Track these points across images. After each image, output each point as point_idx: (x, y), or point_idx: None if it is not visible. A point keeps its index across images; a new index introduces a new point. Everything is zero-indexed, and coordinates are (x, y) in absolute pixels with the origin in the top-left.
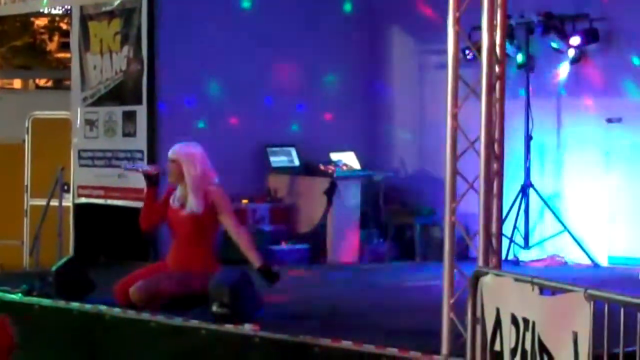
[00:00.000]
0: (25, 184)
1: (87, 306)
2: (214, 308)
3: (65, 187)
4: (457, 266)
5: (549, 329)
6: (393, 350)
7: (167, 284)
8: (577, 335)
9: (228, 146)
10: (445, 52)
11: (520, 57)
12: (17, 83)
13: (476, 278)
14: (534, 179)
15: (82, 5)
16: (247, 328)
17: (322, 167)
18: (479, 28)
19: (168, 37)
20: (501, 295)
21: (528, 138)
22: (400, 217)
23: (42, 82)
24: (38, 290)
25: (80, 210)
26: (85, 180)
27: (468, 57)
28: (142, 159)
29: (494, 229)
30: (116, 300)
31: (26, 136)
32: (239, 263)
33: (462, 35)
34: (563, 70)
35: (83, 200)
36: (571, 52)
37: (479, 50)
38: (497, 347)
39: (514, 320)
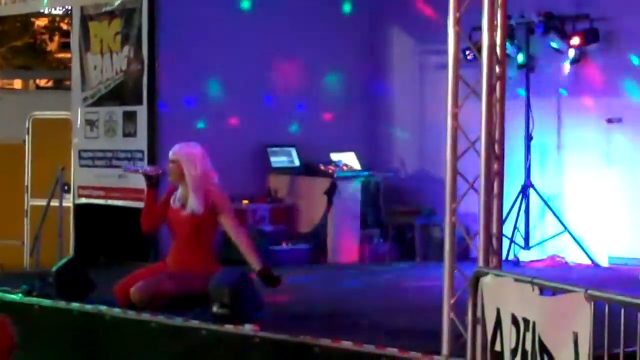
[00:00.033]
0: (26, 184)
1: (88, 306)
2: (214, 308)
3: (66, 188)
4: (457, 266)
5: (549, 330)
6: (393, 351)
7: (167, 284)
8: (578, 336)
9: (228, 146)
10: (445, 52)
11: (520, 57)
12: (17, 83)
13: (476, 278)
14: (534, 179)
15: (83, 6)
16: (247, 328)
17: (322, 167)
18: (479, 28)
19: (168, 38)
20: (501, 296)
21: (528, 138)
22: (400, 217)
23: (42, 82)
24: (38, 291)
25: (81, 210)
26: (86, 181)
27: (468, 57)
28: (142, 159)
29: (494, 229)
30: (116, 300)
31: (26, 136)
32: (239, 263)
33: (462, 35)
34: (563, 70)
35: (83, 200)
36: (571, 52)
37: (479, 50)
38: (497, 348)
39: (515, 321)
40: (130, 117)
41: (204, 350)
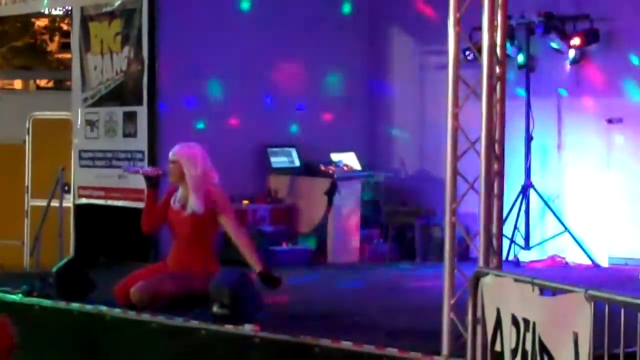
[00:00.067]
0: (26, 184)
1: (88, 307)
2: (214, 309)
3: (66, 188)
4: (457, 266)
5: (549, 330)
6: (393, 351)
7: (167, 284)
8: (578, 336)
9: (228, 147)
10: (445, 52)
11: (520, 58)
12: (17, 83)
13: (477, 278)
14: (534, 179)
15: (83, 6)
16: (247, 328)
17: (322, 167)
18: (479, 28)
19: (168, 38)
20: (502, 296)
21: (528, 138)
22: (400, 217)
23: (42, 82)
24: (38, 291)
25: (81, 210)
26: (86, 181)
27: (468, 57)
28: (142, 160)
29: (494, 229)
30: (116, 300)
31: (27, 137)
32: (239, 263)
33: (462, 35)
34: (563, 70)
35: (83, 200)
36: (572, 53)
37: (479, 50)
38: (497, 348)
39: (515, 321)
40: (130, 117)
41: (204, 350)
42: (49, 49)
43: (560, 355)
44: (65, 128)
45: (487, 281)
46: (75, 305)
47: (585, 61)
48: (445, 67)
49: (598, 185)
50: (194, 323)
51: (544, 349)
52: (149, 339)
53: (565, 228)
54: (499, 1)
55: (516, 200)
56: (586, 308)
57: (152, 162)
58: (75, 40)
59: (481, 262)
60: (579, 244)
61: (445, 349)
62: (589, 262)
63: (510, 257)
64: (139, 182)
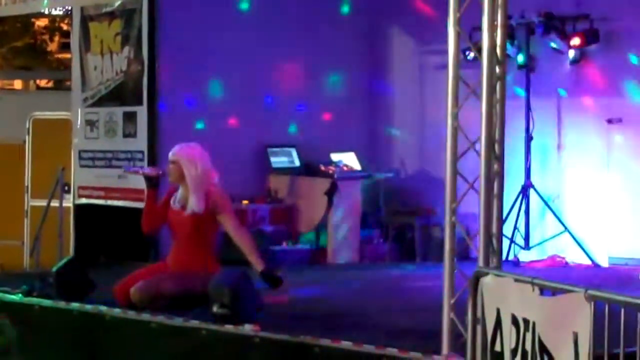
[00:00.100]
0: (26, 184)
1: (88, 307)
2: (214, 308)
3: (66, 188)
4: (457, 266)
5: (549, 330)
6: (393, 351)
7: (167, 284)
8: (578, 336)
9: (228, 147)
10: (445, 52)
11: (520, 58)
12: (17, 84)
13: (476, 278)
14: (534, 179)
15: (83, 6)
16: (247, 328)
17: (322, 167)
18: (479, 28)
19: (168, 38)
20: (501, 296)
21: (528, 138)
22: (400, 217)
23: (42, 82)
24: (38, 291)
25: (81, 210)
26: (86, 181)
27: (468, 57)
28: (142, 160)
29: (494, 229)
30: (116, 300)
31: (27, 137)
32: (239, 263)
33: (462, 35)
34: (563, 70)
35: (83, 200)
36: (572, 53)
37: (479, 50)
38: (497, 348)
39: (515, 321)
40: (130, 117)
41: (204, 350)
42: (49, 49)
43: (560, 355)
44: (65, 128)
45: (487, 281)
46: (75, 305)
47: (585, 61)
48: (445, 67)
49: (598, 185)
50: (194, 323)
51: (543, 349)
52: (149, 339)
53: (565, 228)
54: (499, 1)
55: (516, 200)
56: (586, 308)
57: (152, 162)
58: (75, 40)
59: (481, 262)
60: (578, 244)
61: (445, 349)
62: (589, 262)
63: (510, 257)
64: (139, 182)
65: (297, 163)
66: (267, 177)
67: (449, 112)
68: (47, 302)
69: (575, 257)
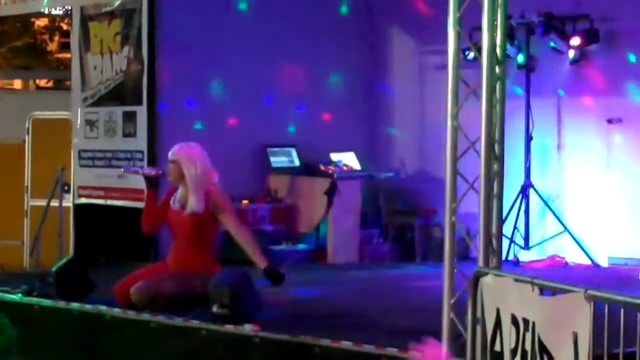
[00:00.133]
0: (26, 184)
1: (87, 306)
2: (214, 308)
3: (66, 188)
4: (457, 266)
5: (549, 330)
6: (393, 351)
7: (167, 284)
8: (577, 336)
9: (228, 146)
10: (445, 52)
11: (520, 58)
12: (17, 83)
13: (476, 278)
14: (534, 179)
15: (83, 6)
16: (247, 328)
17: (322, 167)
18: (479, 28)
19: (168, 38)
20: (501, 296)
21: (528, 138)
22: (400, 217)
23: (42, 82)
24: (38, 291)
25: (81, 210)
26: (86, 181)
27: (468, 57)
28: (142, 160)
29: (494, 229)
30: (116, 300)
31: (26, 136)
32: (239, 263)
33: (462, 35)
34: (563, 70)
35: (83, 200)
36: (571, 53)
37: (479, 50)
38: (497, 348)
39: (514, 321)
40: (130, 117)
41: (204, 350)
42: (48, 48)
43: (559, 355)
44: (65, 128)
45: (486, 281)
46: (75, 305)
47: (585, 61)
48: (445, 67)
49: (598, 185)
50: (194, 323)
51: (543, 349)
52: (149, 339)
53: (565, 228)
54: (499, 1)
55: (516, 200)
56: (586, 308)
57: (152, 162)
58: (75, 40)
59: (481, 262)
60: (578, 244)
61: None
62: (589, 262)
63: (510, 257)
64: (139, 182)
65: (296, 163)
66: (267, 177)
67: (449, 112)
68: (47, 302)
69: (575, 257)
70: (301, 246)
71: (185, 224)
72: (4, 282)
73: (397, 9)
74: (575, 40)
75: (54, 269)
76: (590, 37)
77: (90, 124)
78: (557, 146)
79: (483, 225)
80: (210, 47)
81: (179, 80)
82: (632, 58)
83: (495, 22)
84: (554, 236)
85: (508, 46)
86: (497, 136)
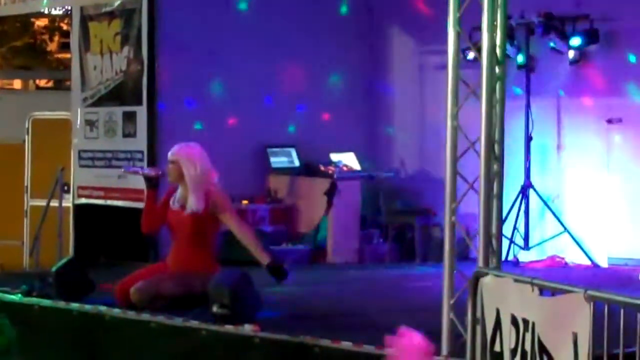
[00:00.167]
0: (25, 184)
1: (87, 307)
2: (214, 309)
3: (65, 188)
4: (457, 267)
5: (548, 330)
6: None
7: (167, 284)
8: (577, 336)
9: (228, 147)
10: (445, 52)
11: (520, 58)
12: (17, 83)
13: (476, 279)
14: (534, 179)
15: (83, 6)
16: (247, 328)
17: (322, 167)
18: (479, 28)
19: (168, 38)
20: (501, 296)
21: (528, 139)
22: (400, 217)
23: (42, 82)
24: (38, 291)
25: (80, 210)
26: (85, 181)
27: (468, 57)
28: (142, 160)
29: (494, 229)
30: (116, 300)
31: (26, 136)
32: (239, 264)
33: (462, 35)
34: (563, 70)
35: (83, 200)
36: (571, 53)
37: (479, 50)
38: (497, 348)
39: (514, 321)
40: (130, 117)
41: (204, 350)
42: (48, 48)
43: (559, 356)
44: (64, 128)
45: (486, 281)
46: (74, 306)
47: (584, 61)
48: (445, 67)
49: (597, 186)
50: (194, 323)
51: (543, 349)
52: (149, 339)
53: (565, 228)
54: (499, 1)
55: (516, 200)
56: (585, 308)
57: (152, 162)
58: (74, 40)
59: (481, 262)
60: (578, 244)
61: (444, 349)
62: (589, 263)
63: (510, 258)
64: (139, 182)
65: (296, 163)
66: (266, 177)
67: (449, 112)
68: (46, 302)
69: (575, 257)
70: (301, 246)
71: (185, 224)
72: (4, 282)
73: (397, 9)
74: (575, 41)
75: (53, 269)
76: (590, 37)
77: (90, 124)
78: (557, 146)
79: (483, 225)
80: (210, 47)
81: (179, 81)
82: (632, 58)
83: (495, 22)
84: (553, 236)
85: (508, 46)
86: (497, 136)
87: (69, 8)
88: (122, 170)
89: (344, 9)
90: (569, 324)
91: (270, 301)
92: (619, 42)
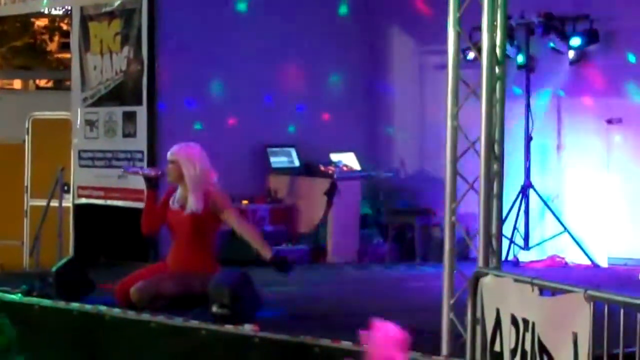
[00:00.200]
0: (26, 184)
1: (87, 306)
2: (214, 309)
3: (65, 188)
4: (457, 267)
5: (548, 330)
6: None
7: (167, 284)
8: (577, 336)
9: (228, 147)
10: (445, 52)
11: (520, 58)
12: (17, 83)
13: (476, 278)
14: (534, 179)
15: (83, 6)
16: (247, 328)
17: (322, 167)
18: (479, 28)
19: (168, 38)
20: (501, 296)
21: (528, 138)
22: (400, 217)
23: (42, 82)
24: (38, 291)
25: (80, 210)
26: (85, 181)
27: (468, 57)
28: (142, 160)
29: (494, 229)
30: (116, 300)
31: (26, 136)
32: (239, 264)
33: (462, 35)
34: (563, 70)
35: (83, 200)
36: (571, 53)
37: (479, 50)
38: (497, 348)
39: (514, 321)
40: (130, 117)
41: (204, 350)
42: (48, 48)
43: (559, 356)
44: (64, 128)
45: (486, 281)
46: (74, 305)
47: (584, 61)
48: (445, 67)
49: (597, 186)
50: (194, 323)
51: (543, 349)
52: (149, 339)
53: (565, 228)
54: (499, 1)
55: (516, 200)
56: (585, 308)
57: (152, 162)
58: (74, 40)
59: (481, 262)
60: (578, 244)
61: (444, 349)
62: (589, 262)
63: (510, 257)
64: (139, 183)
65: (296, 163)
66: (266, 177)
67: (449, 112)
68: (46, 302)
69: (575, 257)
70: (301, 246)
71: (184, 224)
72: (4, 282)
73: (397, 9)
74: (575, 41)
75: (53, 269)
76: (590, 37)
77: (90, 124)
78: (556, 146)
79: (483, 225)
80: (210, 47)
81: (179, 81)
82: (632, 58)
83: (495, 23)
84: (553, 236)
85: (508, 46)
86: (497, 136)
87: (69, 8)
88: (122, 170)
89: (344, 9)
90: (569, 323)
91: (270, 301)
92: (619, 42)
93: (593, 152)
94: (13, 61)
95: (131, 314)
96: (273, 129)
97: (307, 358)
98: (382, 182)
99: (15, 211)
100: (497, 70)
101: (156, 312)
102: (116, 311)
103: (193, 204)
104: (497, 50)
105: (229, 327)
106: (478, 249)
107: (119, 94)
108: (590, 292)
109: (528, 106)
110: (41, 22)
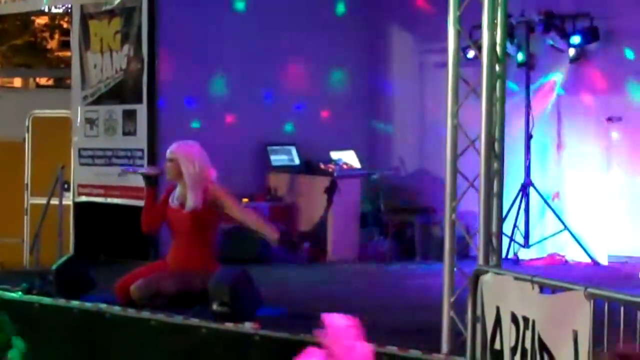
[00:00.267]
0: (26, 182)
1: (88, 304)
2: (214, 307)
3: (66, 186)
4: (457, 265)
5: (549, 328)
6: (393, 349)
7: (167, 282)
8: (577, 334)
9: (228, 145)
10: (445, 50)
11: (520, 56)
12: (17, 82)
13: (476, 277)
14: (534, 177)
15: (83, 4)
16: (247, 326)
17: (322, 165)
18: (479, 27)
19: (168, 36)
20: (501, 294)
21: (528, 137)
22: (400, 215)
23: (42, 80)
24: (38, 289)
25: (81, 208)
26: (86, 179)
27: (468, 55)
28: (142, 158)
29: (494, 227)
30: (117, 298)
31: (26, 135)
32: (239, 262)
33: (462, 34)
34: (563, 69)
35: (83, 198)
36: (571, 51)
37: (479, 49)
38: (497, 346)
39: (514, 319)
40: (130, 115)
41: (204, 348)
42: (48, 47)
43: (559, 353)
44: (65, 126)
45: (486, 279)
46: (75, 303)
47: (585, 60)
48: (445, 65)
49: (597, 184)
50: (194, 321)
51: (543, 347)
52: (149, 337)
53: (565, 226)
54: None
55: (516, 198)
56: (586, 306)
57: (152, 160)
58: (75, 38)
59: (481, 260)
60: (578, 242)
61: (445, 347)
62: (589, 260)
63: (510, 255)
64: (139, 181)
65: (296, 161)
66: (266, 175)
67: (449, 111)
68: (47, 300)
69: (575, 255)
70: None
71: (184, 221)
72: (4, 280)
73: (397, 7)
74: (575, 39)
75: (54, 267)
76: (590, 35)
77: (90, 122)
78: (556, 145)
79: (483, 223)
80: (210, 45)
81: (179, 79)
82: (632, 56)
83: (496, 21)
84: (553, 234)
85: (508, 44)
86: (497, 134)
87: (69, 6)
88: (121, 170)
89: (343, 7)
90: (569, 321)
91: (270, 299)
92: (618, 40)
93: (593, 150)
94: (13, 59)
95: (131, 312)
96: (273, 127)
97: None
98: (382, 180)
99: (15, 209)
100: (497, 68)
101: (156, 310)
102: (116, 309)
103: (192, 201)
104: (498, 49)
105: (229, 325)
106: (478, 247)
107: (119, 92)
108: (590, 289)
109: (528, 104)
110: (41, 21)
